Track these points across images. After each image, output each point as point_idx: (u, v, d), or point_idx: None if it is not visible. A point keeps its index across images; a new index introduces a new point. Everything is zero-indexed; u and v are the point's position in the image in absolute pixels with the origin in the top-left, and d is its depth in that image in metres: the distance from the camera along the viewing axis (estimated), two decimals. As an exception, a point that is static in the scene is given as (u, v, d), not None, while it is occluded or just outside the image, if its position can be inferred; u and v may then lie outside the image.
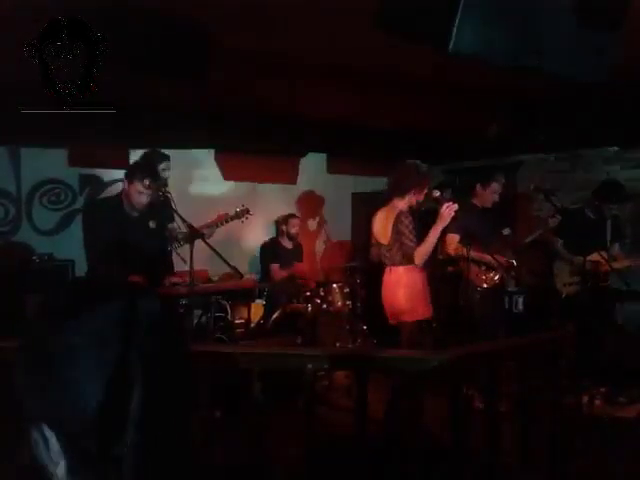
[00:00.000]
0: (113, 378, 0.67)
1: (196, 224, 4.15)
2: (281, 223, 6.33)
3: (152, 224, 4.08)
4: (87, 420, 0.66)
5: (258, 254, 6.55)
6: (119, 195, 4.06)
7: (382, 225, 4.00)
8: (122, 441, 0.67)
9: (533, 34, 2.25)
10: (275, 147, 6.46)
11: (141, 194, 3.86)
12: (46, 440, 0.69)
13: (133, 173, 3.91)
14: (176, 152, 5.64)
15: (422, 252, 3.80)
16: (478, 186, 4.87)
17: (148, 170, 4.00)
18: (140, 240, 3.91)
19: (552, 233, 5.03)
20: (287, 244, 6.27)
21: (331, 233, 7.51)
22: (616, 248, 5.13)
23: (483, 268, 4.70)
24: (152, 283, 3.93)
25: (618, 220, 5.23)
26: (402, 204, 3.93)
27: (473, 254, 4.49)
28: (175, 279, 4.18)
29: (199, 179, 6.38)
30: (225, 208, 5.23)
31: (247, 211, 4.93)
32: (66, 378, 0.67)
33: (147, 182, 3.84)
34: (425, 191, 3.98)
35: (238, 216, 4.90)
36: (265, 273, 6.22)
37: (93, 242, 3.90)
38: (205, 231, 4.19)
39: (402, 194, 3.94)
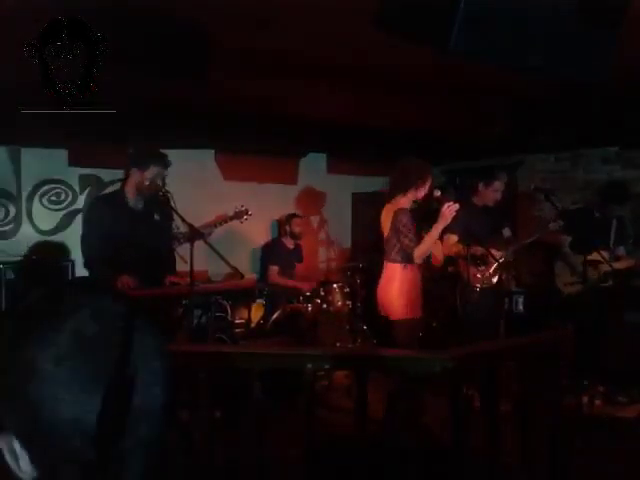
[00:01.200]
0: (92, 389, 0.63)
1: (195, 224, 4.14)
2: (284, 223, 6.32)
3: (157, 217, 4.09)
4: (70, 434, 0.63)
5: (259, 254, 6.55)
6: (122, 189, 4.06)
7: (385, 220, 4.07)
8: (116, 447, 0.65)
9: (533, 34, 2.25)
10: (275, 147, 6.45)
11: (156, 177, 3.89)
12: (13, 451, 0.66)
13: (148, 159, 3.93)
14: (176, 152, 5.64)
15: (422, 251, 3.88)
16: (480, 185, 4.85)
17: (159, 155, 4.04)
18: (145, 233, 3.90)
19: (560, 233, 5.00)
20: (289, 244, 6.26)
21: (331, 233, 7.50)
22: (621, 250, 5.12)
23: (481, 266, 4.67)
24: (152, 281, 3.92)
25: (623, 220, 5.22)
26: (404, 201, 3.98)
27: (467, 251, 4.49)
28: (174, 279, 4.18)
29: (199, 179, 6.38)
30: (225, 208, 5.22)
31: (246, 212, 4.91)
32: (30, 394, 0.63)
33: (157, 168, 3.89)
34: (428, 185, 4.01)
35: (237, 216, 4.88)
36: (264, 273, 6.22)
37: (94, 238, 3.89)
38: (204, 231, 4.19)
39: (404, 191, 3.99)
